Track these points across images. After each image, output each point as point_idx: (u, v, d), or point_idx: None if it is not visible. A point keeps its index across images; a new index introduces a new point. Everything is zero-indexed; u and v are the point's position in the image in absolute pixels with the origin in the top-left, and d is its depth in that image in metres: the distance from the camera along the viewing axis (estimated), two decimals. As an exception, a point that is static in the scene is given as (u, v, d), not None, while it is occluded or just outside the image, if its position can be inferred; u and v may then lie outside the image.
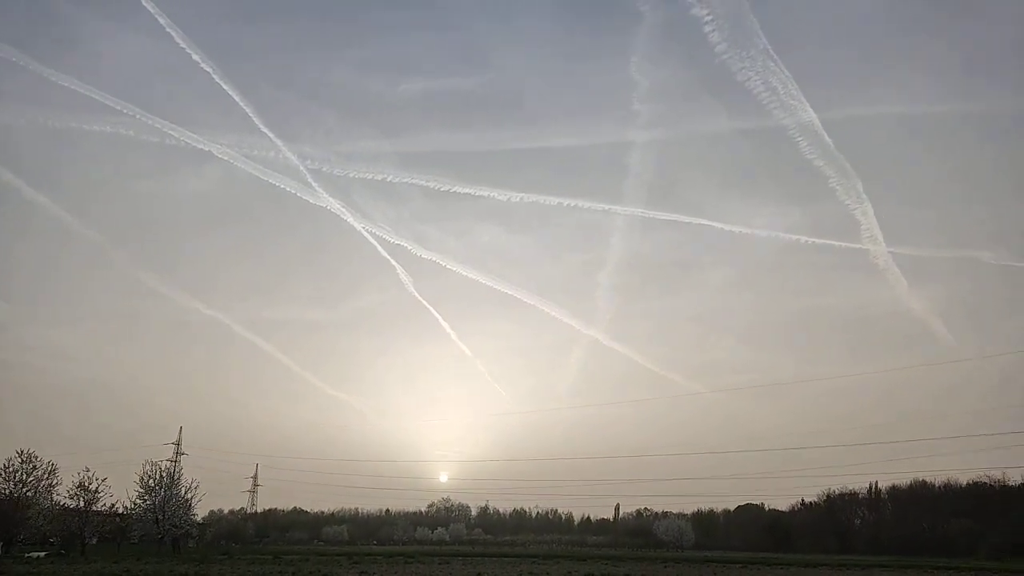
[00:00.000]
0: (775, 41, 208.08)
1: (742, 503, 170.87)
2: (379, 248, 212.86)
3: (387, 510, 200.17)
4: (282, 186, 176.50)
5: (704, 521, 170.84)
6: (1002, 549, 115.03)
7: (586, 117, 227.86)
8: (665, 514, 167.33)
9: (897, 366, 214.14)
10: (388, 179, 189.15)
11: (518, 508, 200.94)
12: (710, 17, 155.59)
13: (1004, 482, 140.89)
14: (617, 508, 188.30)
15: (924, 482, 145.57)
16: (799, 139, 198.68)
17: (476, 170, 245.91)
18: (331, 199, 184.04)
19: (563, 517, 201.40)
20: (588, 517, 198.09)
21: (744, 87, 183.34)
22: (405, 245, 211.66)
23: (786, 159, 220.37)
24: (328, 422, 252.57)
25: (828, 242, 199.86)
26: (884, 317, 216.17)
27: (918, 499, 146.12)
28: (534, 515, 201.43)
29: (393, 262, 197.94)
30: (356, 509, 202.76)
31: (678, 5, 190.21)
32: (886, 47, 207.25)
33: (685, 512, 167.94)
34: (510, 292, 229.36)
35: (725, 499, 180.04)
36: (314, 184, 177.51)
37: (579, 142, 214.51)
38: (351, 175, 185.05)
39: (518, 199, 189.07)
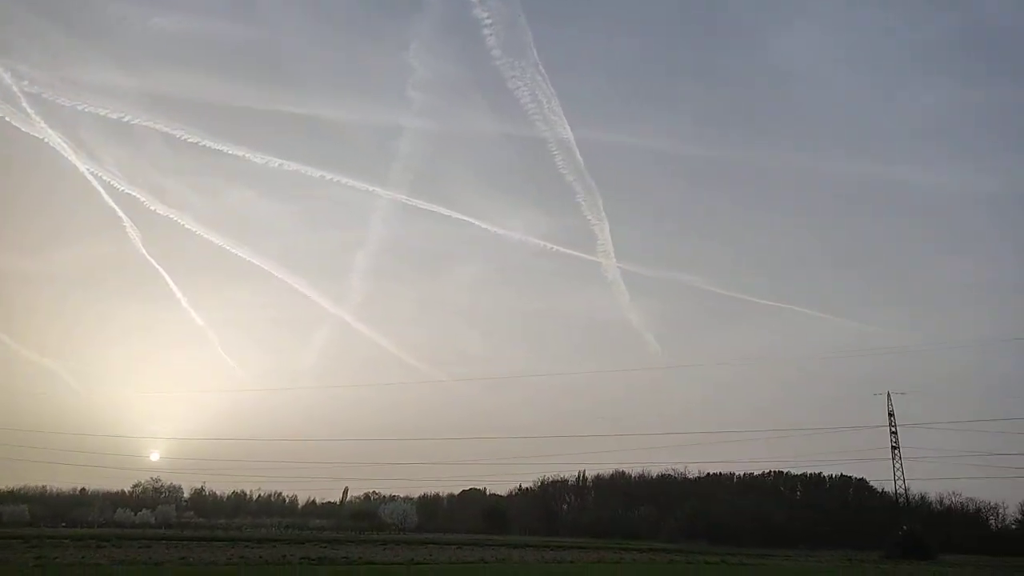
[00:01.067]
0: (547, 58, 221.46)
1: (467, 488, 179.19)
2: (104, 195, 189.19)
3: (82, 489, 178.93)
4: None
5: (429, 505, 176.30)
6: (677, 532, 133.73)
7: (358, 93, 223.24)
8: (392, 498, 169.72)
9: (613, 367, 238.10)
10: (126, 119, 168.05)
11: (238, 491, 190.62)
12: (489, 21, 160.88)
13: (685, 475, 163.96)
14: (345, 491, 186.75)
15: (623, 472, 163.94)
16: (556, 153, 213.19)
17: (231, 126, 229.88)
18: (50, 130, 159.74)
19: (286, 500, 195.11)
20: (313, 500, 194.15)
21: (513, 95, 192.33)
22: (138, 196, 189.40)
23: (543, 169, 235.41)
24: (22, 388, 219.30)
25: (569, 251, 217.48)
26: (608, 324, 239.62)
27: (616, 487, 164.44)
28: (255, 498, 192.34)
29: (120, 213, 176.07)
30: (43, 487, 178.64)
31: (461, 2, 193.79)
32: (650, 86, 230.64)
33: (412, 496, 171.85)
34: (256, 262, 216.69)
35: (452, 484, 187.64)
36: (29, 109, 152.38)
37: (348, 117, 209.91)
38: (80, 107, 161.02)
39: (276, 165, 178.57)
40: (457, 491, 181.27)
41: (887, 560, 78.77)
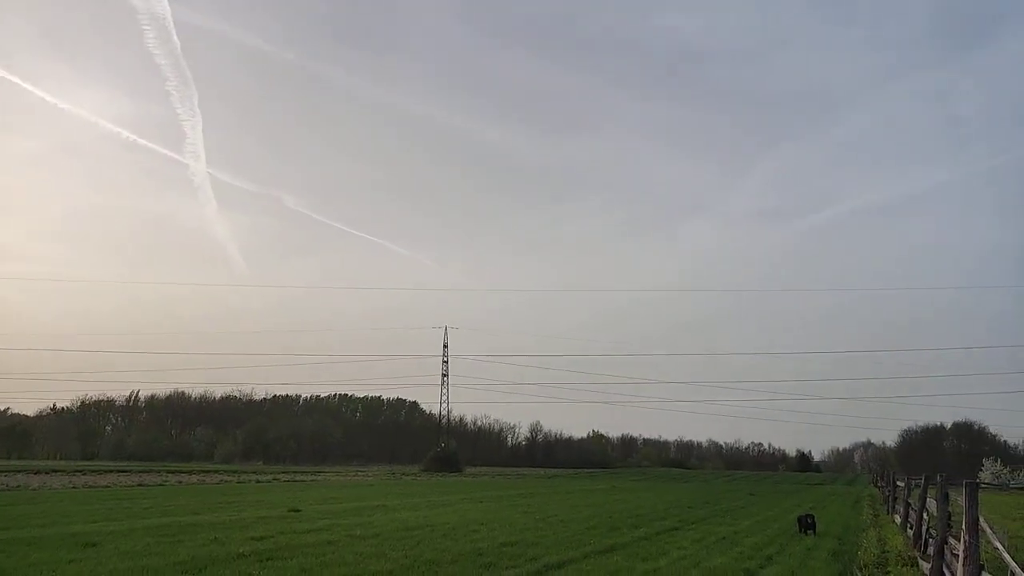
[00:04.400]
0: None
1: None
2: None
3: None
4: None
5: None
6: (234, 454, 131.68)
7: None
8: None
9: (194, 281, 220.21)
10: None
11: None
12: None
13: (252, 397, 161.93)
14: None
15: (183, 393, 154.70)
16: (147, 28, 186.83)
17: None
18: None
19: None
20: None
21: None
22: None
23: (128, 43, 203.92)
24: None
25: (148, 144, 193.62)
26: (187, 232, 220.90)
27: (173, 409, 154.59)
28: None
29: None
30: None
31: None
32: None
33: None
34: None
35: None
36: None
37: None
38: None
39: None
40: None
41: (424, 472, 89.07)
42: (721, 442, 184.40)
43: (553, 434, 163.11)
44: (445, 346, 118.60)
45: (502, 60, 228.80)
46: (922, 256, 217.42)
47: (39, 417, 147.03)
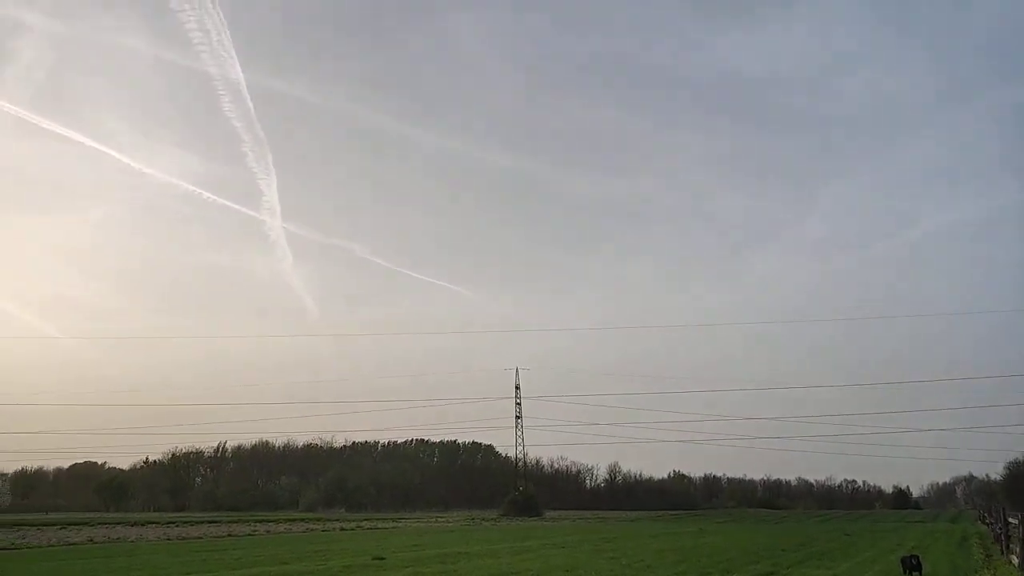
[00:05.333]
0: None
1: (80, 461, 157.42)
2: None
3: None
4: None
5: (28, 481, 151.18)
6: (316, 502, 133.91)
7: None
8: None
9: (270, 332, 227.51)
10: None
11: None
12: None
13: (332, 444, 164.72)
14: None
15: (267, 443, 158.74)
16: (223, 93, 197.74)
17: None
18: None
19: None
20: None
21: (177, 16, 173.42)
22: None
23: (204, 108, 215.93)
24: None
25: (229, 204, 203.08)
26: (265, 285, 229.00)
27: (259, 458, 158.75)
28: None
29: None
30: None
31: None
32: (332, 43, 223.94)
33: (5, 472, 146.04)
34: None
35: (61, 456, 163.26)
36: None
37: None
38: None
39: None
40: (67, 465, 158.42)
41: (503, 517, 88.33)
42: (811, 480, 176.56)
43: (632, 475, 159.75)
44: (517, 387, 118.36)
45: (555, 101, 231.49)
46: (1009, 275, 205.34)
47: (134, 470, 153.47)
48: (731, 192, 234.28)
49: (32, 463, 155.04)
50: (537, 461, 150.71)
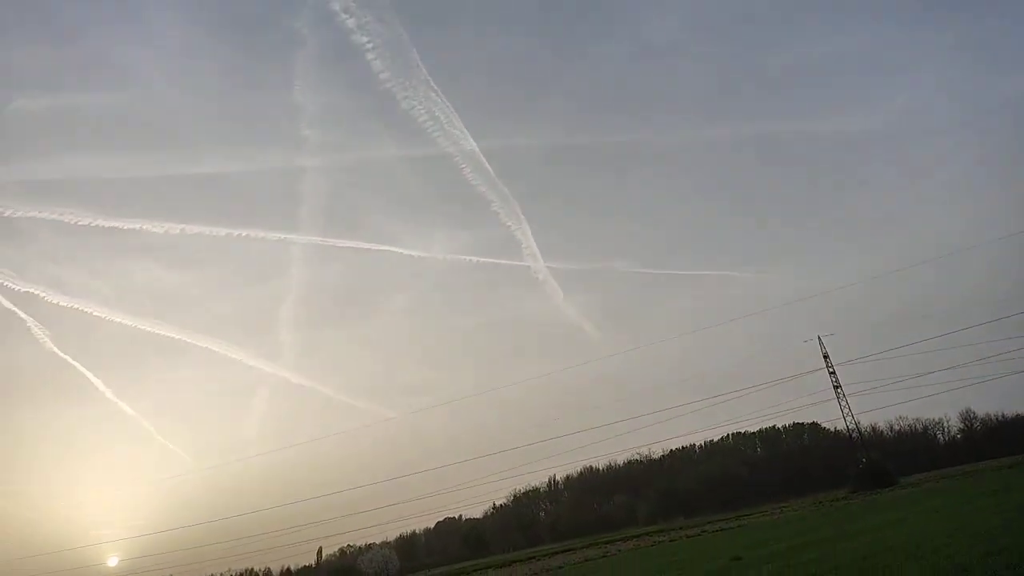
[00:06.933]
0: (435, 71, 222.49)
1: (441, 519, 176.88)
2: (1, 299, 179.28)
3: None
4: None
5: (407, 544, 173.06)
6: (653, 514, 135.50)
7: (250, 142, 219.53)
8: (369, 546, 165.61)
9: (558, 367, 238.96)
10: (6, 214, 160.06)
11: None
12: (371, 45, 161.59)
13: (651, 456, 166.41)
14: (320, 551, 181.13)
15: (591, 467, 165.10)
16: (463, 166, 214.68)
17: (122, 200, 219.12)
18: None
19: (260, 574, 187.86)
20: (288, 568, 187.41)
21: (409, 115, 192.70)
22: (36, 292, 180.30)
23: (453, 184, 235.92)
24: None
25: (494, 260, 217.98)
26: (547, 323, 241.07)
27: (588, 483, 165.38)
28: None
29: (22, 315, 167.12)
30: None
31: (338, 31, 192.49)
32: (534, 80, 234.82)
33: (389, 539, 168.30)
34: (176, 336, 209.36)
35: (426, 517, 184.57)
36: None
37: (245, 168, 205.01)
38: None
39: (178, 231, 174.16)
40: (432, 523, 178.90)
41: (855, 495, 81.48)
42: None
43: (993, 417, 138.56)
44: (825, 356, 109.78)
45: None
46: None
47: (487, 517, 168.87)
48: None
49: (407, 528, 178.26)
50: (873, 427, 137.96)
